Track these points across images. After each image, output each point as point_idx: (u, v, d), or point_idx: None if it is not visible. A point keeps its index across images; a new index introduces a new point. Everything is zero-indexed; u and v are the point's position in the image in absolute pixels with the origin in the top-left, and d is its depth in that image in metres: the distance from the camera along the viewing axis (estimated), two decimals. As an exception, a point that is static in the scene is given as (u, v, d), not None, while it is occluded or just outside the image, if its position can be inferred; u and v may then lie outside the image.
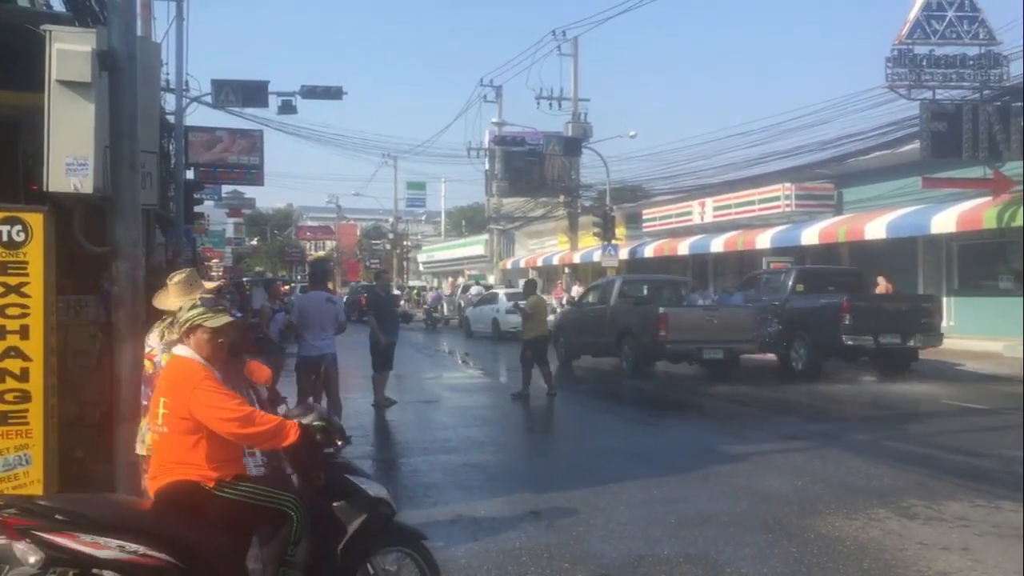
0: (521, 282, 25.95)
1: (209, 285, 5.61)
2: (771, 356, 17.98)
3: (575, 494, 7.45)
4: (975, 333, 21.10)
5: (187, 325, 4.24)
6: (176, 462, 4.06)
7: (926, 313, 17.17)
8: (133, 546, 3.78)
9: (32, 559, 3.65)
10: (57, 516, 3.77)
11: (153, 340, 5.34)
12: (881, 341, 16.06)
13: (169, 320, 5.30)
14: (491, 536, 6.29)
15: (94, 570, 3.75)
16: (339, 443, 4.34)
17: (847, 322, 15.99)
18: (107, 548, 3.74)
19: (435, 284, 62.54)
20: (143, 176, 6.86)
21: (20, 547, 3.67)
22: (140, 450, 5.27)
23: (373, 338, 12.93)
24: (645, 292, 19.78)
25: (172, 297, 5.33)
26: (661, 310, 16.53)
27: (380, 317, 13.06)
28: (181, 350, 4.24)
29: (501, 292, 32.41)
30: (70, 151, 5.63)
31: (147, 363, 5.39)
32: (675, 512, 6.85)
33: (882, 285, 20.21)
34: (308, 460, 4.24)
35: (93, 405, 8.64)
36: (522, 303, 15.11)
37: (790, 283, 18.11)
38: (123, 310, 6.00)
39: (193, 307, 4.34)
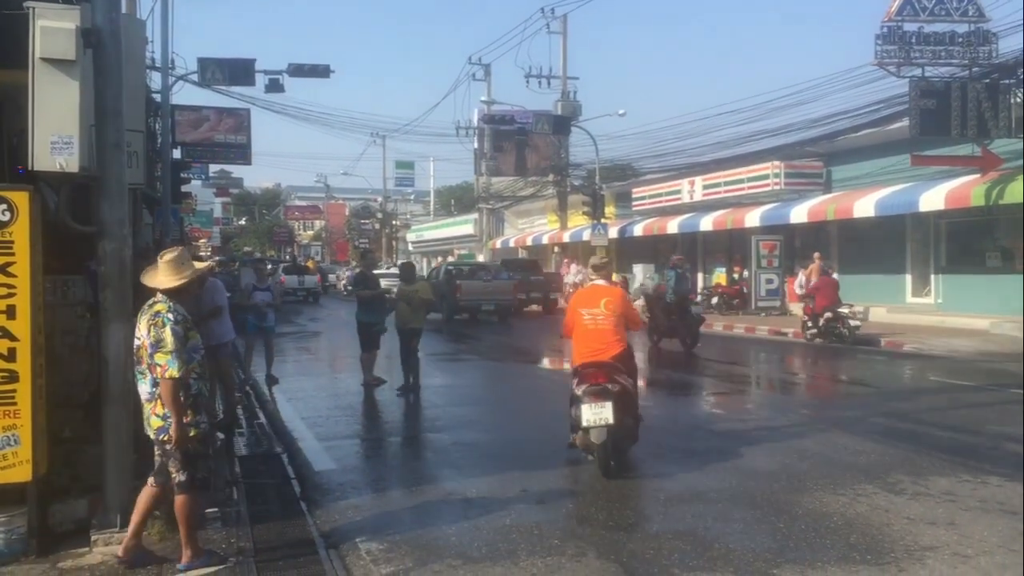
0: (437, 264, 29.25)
1: (200, 265, 5.57)
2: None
3: (564, 472, 7.50)
4: (962, 311, 21.21)
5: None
6: (620, 338, 7.66)
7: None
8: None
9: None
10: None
11: (144, 330, 5.19)
12: (483, 308, 26.54)
13: (155, 302, 5.27)
14: (481, 514, 6.31)
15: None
16: None
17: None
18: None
19: (422, 263, 62.46)
20: (129, 155, 6.83)
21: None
22: (148, 432, 5.26)
23: (360, 318, 12.92)
24: (461, 272, 28.78)
25: (161, 275, 5.30)
26: (457, 281, 26.65)
27: (365, 297, 13.04)
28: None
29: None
30: (55, 129, 5.59)
31: (143, 352, 5.22)
32: (663, 489, 6.89)
33: (816, 263, 22.29)
34: None
35: (81, 385, 8.63)
36: (402, 285, 13.13)
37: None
38: (110, 290, 5.96)
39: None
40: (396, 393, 12.14)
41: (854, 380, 13.72)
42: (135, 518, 5.38)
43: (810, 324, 18.90)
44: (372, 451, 8.99)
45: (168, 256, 5.35)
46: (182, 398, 5.12)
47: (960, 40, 19.82)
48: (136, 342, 5.27)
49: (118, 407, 5.93)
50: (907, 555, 5.27)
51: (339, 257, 77.59)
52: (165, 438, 5.17)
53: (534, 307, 31.34)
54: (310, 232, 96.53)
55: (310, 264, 56.69)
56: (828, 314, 18.24)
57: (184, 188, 26.94)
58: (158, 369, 5.06)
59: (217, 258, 32.06)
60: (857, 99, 44.85)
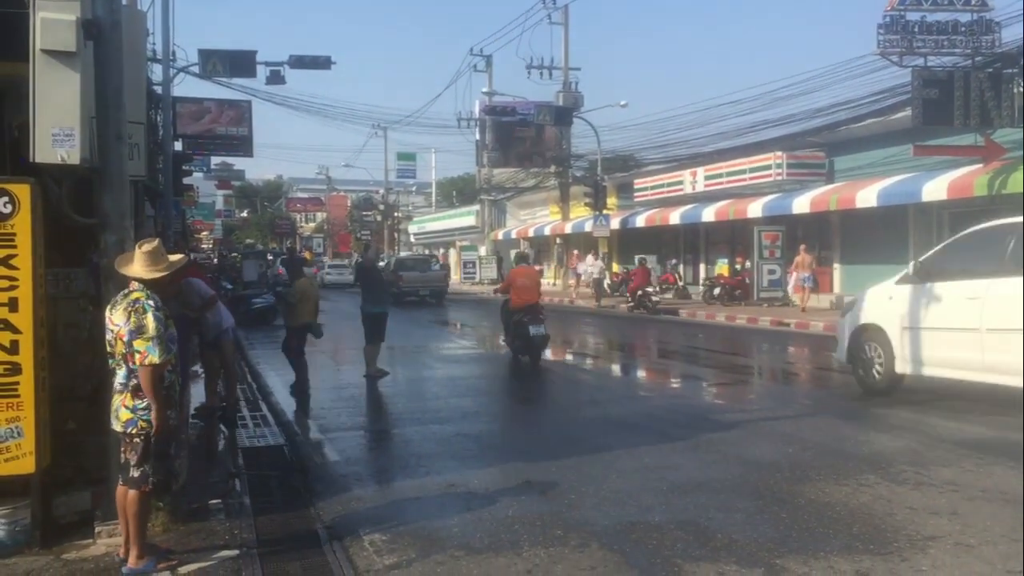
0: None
1: (174, 258, 5.45)
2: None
3: (567, 463, 7.49)
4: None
5: None
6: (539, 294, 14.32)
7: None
8: None
9: None
10: None
11: (120, 319, 5.06)
12: (421, 292, 33.19)
13: (128, 291, 5.15)
14: (484, 505, 6.32)
15: None
16: None
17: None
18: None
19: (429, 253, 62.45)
20: (130, 147, 6.82)
21: None
22: (116, 426, 5.17)
23: (364, 310, 12.94)
24: (404, 264, 35.57)
25: (138, 265, 5.18)
26: (399, 272, 32.67)
27: (368, 288, 13.06)
28: None
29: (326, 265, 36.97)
30: (56, 122, 5.56)
31: (119, 343, 5.09)
32: (666, 479, 6.89)
33: (802, 254, 24.54)
34: None
35: (84, 377, 8.63)
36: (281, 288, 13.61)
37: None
38: (112, 283, 5.95)
39: None
40: (289, 391, 11.65)
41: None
42: (123, 524, 5.26)
43: (630, 300, 27.50)
44: (375, 443, 9.00)
45: (146, 247, 5.23)
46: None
47: (963, 29, 19.75)
48: (109, 334, 5.15)
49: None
50: (910, 545, 5.26)
51: (341, 249, 77.57)
52: (133, 431, 5.04)
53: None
54: (312, 224, 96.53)
55: (308, 255, 57.36)
56: (639, 292, 26.65)
57: (186, 180, 26.86)
58: (136, 356, 4.92)
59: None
60: (859, 89, 44.73)
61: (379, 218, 70.14)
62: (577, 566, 5.09)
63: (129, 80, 6.36)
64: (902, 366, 10.37)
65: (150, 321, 4.96)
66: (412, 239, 68.41)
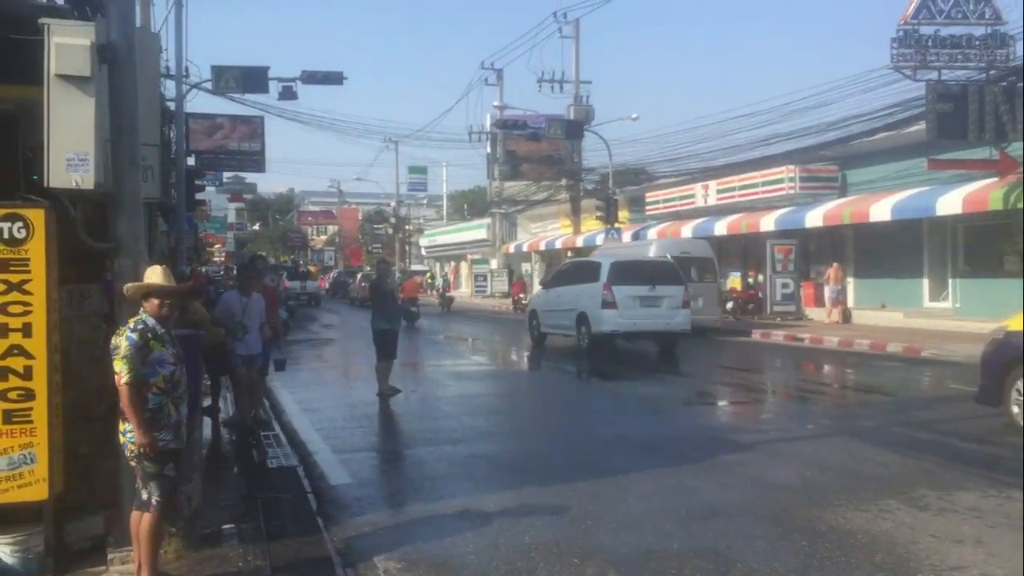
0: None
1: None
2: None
3: (583, 485, 7.41)
4: (981, 315, 21.01)
5: None
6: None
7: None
8: None
9: None
10: None
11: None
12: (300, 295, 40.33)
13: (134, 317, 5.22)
14: (500, 531, 6.24)
15: None
16: None
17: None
18: None
19: (437, 269, 62.55)
20: (144, 169, 6.80)
21: None
22: None
23: (375, 326, 12.90)
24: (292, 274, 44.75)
25: (150, 277, 5.31)
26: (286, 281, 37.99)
27: (380, 305, 13.02)
28: None
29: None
30: (70, 147, 5.55)
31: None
32: (683, 504, 6.81)
33: (835, 268, 25.26)
34: None
35: (98, 396, 8.60)
36: None
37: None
38: (126, 306, 5.93)
39: None
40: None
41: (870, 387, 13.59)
42: (135, 550, 5.27)
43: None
44: (388, 464, 8.93)
45: (153, 268, 5.35)
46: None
47: (977, 43, 19.69)
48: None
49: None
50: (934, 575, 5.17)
51: (352, 262, 77.71)
52: (126, 453, 5.11)
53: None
54: (323, 237, 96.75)
55: (313, 269, 57.93)
56: (412, 307, 28.31)
57: (198, 196, 26.94)
58: (115, 377, 4.98)
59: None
60: (873, 102, 44.58)
61: (390, 231, 70.22)
62: (595, 597, 5.02)
63: (143, 102, 6.36)
64: None
65: (123, 342, 5.00)
66: (423, 252, 68.47)
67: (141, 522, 5.16)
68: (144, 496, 5.13)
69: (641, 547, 5.84)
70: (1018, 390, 9.34)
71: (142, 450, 4.98)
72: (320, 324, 31.50)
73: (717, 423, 11.11)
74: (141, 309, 5.24)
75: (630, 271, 19.15)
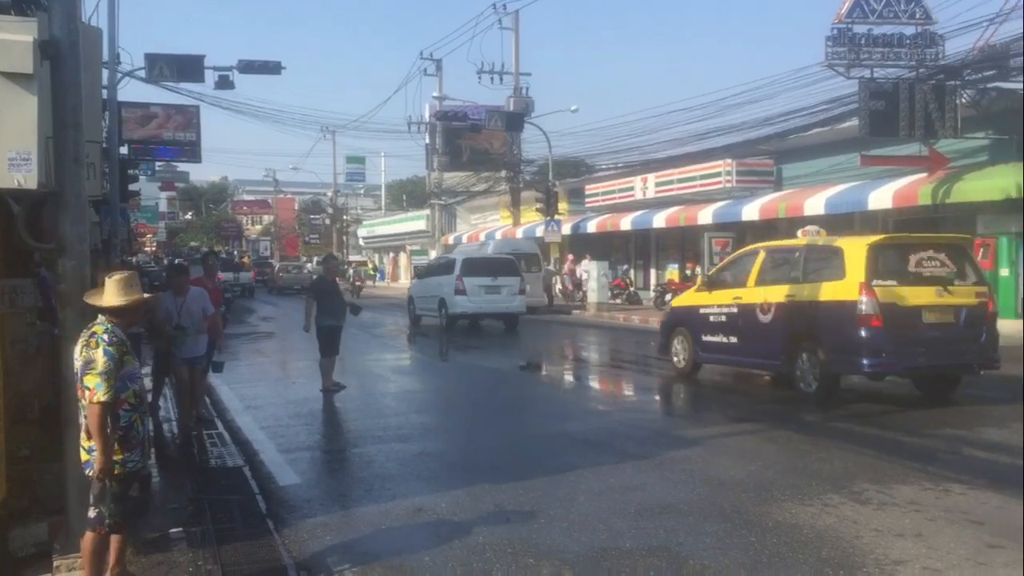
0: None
1: (146, 296, 5.33)
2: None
3: (533, 483, 7.44)
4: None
5: None
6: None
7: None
8: None
9: None
10: None
11: (76, 352, 4.94)
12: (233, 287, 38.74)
13: (93, 324, 4.99)
14: (454, 532, 6.24)
15: None
16: None
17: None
18: None
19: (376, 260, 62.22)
20: (87, 166, 6.64)
21: None
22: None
23: (321, 323, 12.77)
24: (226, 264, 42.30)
25: (108, 295, 5.03)
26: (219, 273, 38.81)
27: (326, 301, 12.89)
28: None
29: None
30: (12, 145, 5.39)
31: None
32: (633, 501, 6.89)
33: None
34: None
35: (34, 396, 8.37)
36: None
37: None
38: (70, 309, 5.79)
39: None
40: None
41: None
42: (87, 569, 5.08)
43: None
44: (336, 463, 8.87)
45: (117, 276, 5.10)
46: (109, 429, 4.81)
47: (908, 42, 20.15)
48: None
49: (78, 431, 5.77)
50: (879, 570, 5.32)
51: (289, 252, 76.79)
52: (90, 472, 4.87)
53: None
54: (259, 227, 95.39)
55: (245, 260, 57.98)
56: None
57: (131, 187, 26.35)
58: (87, 393, 4.74)
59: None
60: (807, 98, 45.42)
61: (328, 221, 69.54)
62: (552, 597, 5.06)
63: (85, 98, 6.18)
64: None
65: (100, 356, 4.77)
66: (362, 243, 67.96)
67: (84, 541, 5.00)
68: (92, 514, 4.92)
69: (594, 545, 5.90)
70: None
71: (97, 471, 4.78)
72: (258, 317, 31.15)
73: (658, 417, 11.25)
74: (102, 316, 5.01)
75: (478, 266, 24.20)
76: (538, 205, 34.33)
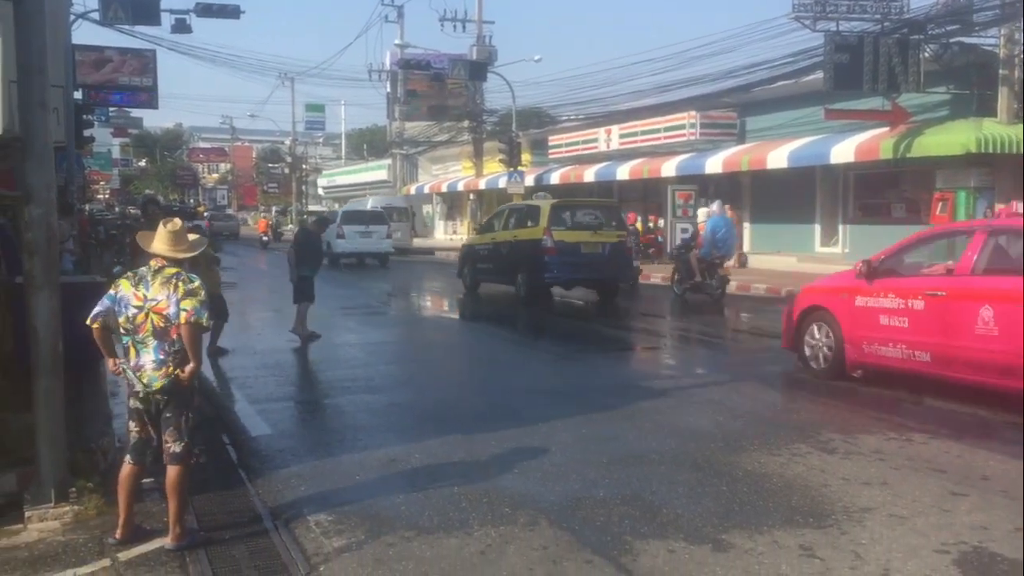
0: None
1: (192, 237, 5.47)
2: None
3: (506, 434, 7.50)
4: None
5: None
6: None
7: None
8: None
9: None
10: None
11: (159, 293, 5.10)
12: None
13: (160, 267, 5.16)
14: (429, 481, 6.28)
15: None
16: None
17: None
18: None
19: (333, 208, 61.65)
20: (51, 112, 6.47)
21: None
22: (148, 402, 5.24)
23: (301, 272, 13.31)
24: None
25: (164, 244, 5.20)
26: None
27: (309, 255, 13.52)
28: None
29: None
30: (-25, 89, 5.25)
31: (155, 316, 5.09)
32: (606, 452, 6.96)
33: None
34: None
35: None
36: None
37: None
38: (38, 257, 5.69)
39: None
40: None
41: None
42: (122, 503, 5.29)
43: None
44: (308, 414, 8.86)
45: (171, 227, 5.26)
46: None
47: (873, -5, 20.17)
48: (132, 310, 5.10)
49: (50, 377, 5.70)
50: (847, 517, 5.45)
51: (247, 201, 75.82)
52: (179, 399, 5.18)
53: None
54: (216, 175, 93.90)
55: (200, 209, 57.55)
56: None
57: (86, 132, 25.74)
58: (183, 315, 5.02)
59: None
60: (772, 51, 45.53)
61: (286, 170, 68.64)
62: (530, 545, 5.12)
63: (50, 41, 6.01)
64: None
65: (199, 287, 5.15)
66: (321, 192, 67.24)
67: (172, 476, 5.20)
68: (178, 448, 5.20)
69: (569, 495, 5.96)
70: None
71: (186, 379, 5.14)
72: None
73: (626, 370, 11.34)
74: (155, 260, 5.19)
75: (354, 216, 32.67)
76: (501, 156, 34.14)
